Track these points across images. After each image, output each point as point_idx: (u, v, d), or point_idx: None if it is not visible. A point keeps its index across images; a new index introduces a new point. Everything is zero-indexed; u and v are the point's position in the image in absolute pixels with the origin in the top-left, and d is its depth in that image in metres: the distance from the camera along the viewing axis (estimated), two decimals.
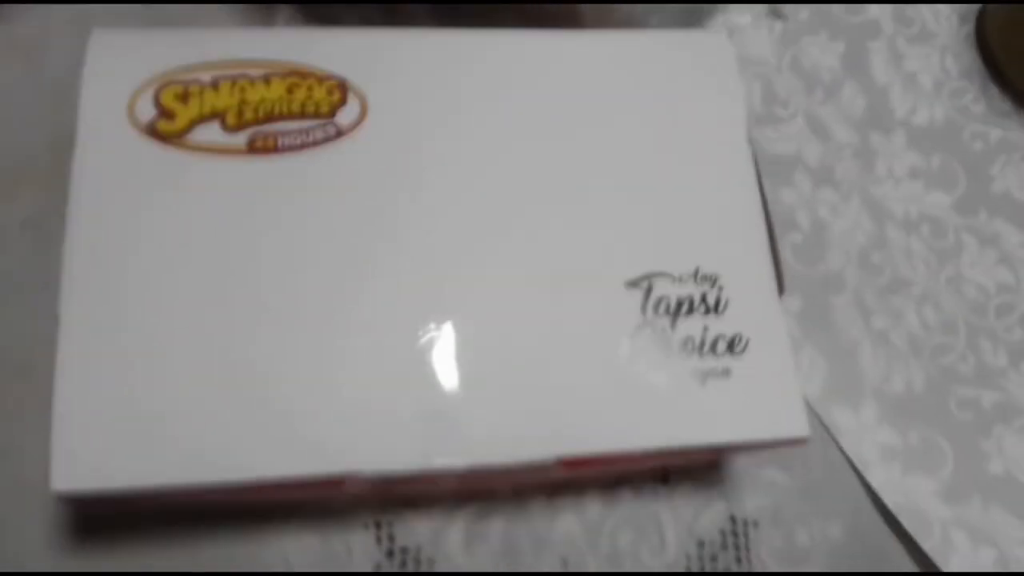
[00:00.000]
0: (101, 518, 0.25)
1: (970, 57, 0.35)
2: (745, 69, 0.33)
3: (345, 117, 0.24)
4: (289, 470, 0.21)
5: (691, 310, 0.24)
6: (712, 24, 0.33)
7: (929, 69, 0.34)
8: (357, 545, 0.25)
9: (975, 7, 0.36)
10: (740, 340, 0.24)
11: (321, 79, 0.24)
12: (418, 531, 0.26)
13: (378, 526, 0.26)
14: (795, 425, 0.23)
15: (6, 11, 0.29)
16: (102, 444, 0.20)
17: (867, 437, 0.28)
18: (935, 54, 0.35)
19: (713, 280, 0.24)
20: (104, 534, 0.25)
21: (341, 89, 0.24)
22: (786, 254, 0.30)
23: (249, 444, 0.21)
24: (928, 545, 0.27)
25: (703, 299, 0.24)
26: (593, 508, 0.27)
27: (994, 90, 0.34)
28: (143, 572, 0.24)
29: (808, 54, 0.33)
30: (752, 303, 0.24)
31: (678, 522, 0.27)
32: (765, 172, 0.31)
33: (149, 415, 0.21)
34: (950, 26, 0.35)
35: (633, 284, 0.24)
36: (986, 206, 0.33)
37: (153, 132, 0.23)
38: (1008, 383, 0.30)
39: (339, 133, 0.24)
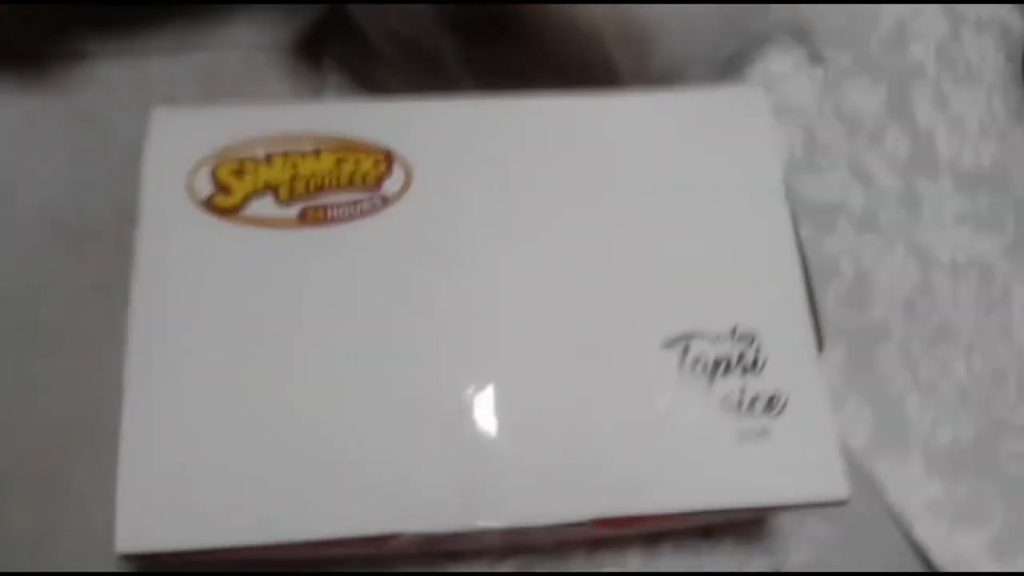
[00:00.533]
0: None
1: (1018, 96, 0.34)
2: (785, 117, 0.33)
3: (391, 187, 0.25)
4: (340, 531, 0.22)
5: (728, 369, 0.24)
6: (751, 72, 0.33)
7: (975, 110, 0.34)
8: None
9: (1020, 43, 0.35)
10: (779, 399, 0.24)
11: (368, 150, 0.25)
12: None
13: None
14: (835, 487, 0.23)
15: (70, 82, 0.31)
16: (165, 506, 0.21)
17: (914, 490, 0.28)
18: (981, 94, 0.34)
19: (751, 338, 0.24)
20: None
21: (387, 160, 0.25)
22: (829, 303, 0.30)
23: (303, 506, 0.22)
24: None
25: (741, 358, 0.24)
26: (634, 562, 0.27)
27: None
28: None
29: (850, 99, 0.33)
30: (790, 361, 0.24)
31: None
32: (807, 220, 0.31)
33: (209, 478, 0.22)
34: (996, 65, 0.35)
35: (670, 344, 0.24)
36: None
37: (211, 206, 0.24)
38: None
39: (385, 202, 0.25)
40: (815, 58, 0.34)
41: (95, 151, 0.31)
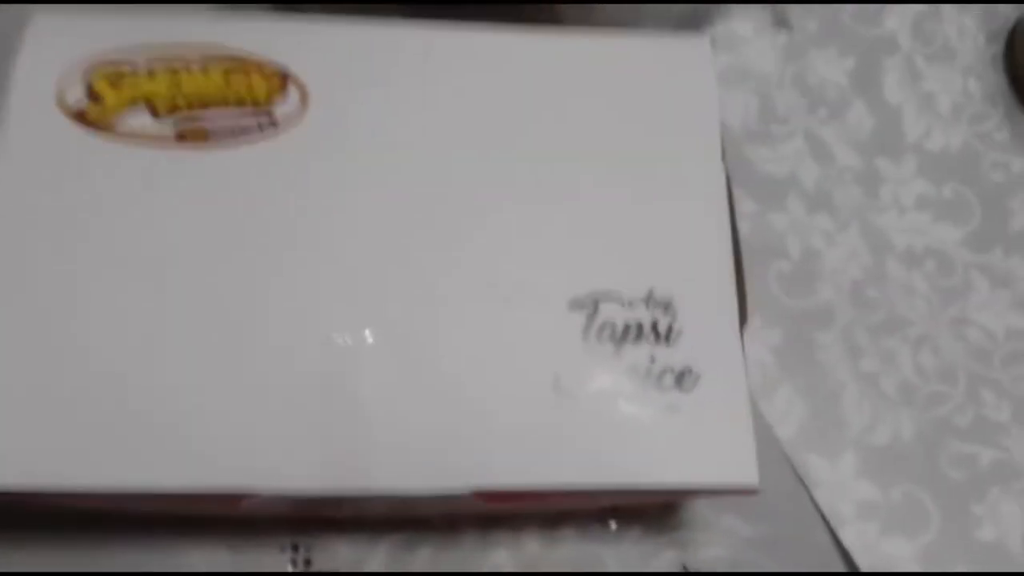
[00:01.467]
0: (7, 516, 0.24)
1: (996, 80, 0.32)
2: (742, 82, 0.30)
3: (282, 110, 0.23)
4: (181, 483, 0.20)
5: (640, 336, 0.22)
6: (710, 33, 0.31)
7: (949, 91, 0.32)
8: (269, 565, 0.24)
9: (1005, 25, 0.33)
10: (691, 374, 0.22)
11: (261, 67, 0.23)
12: (338, 556, 0.24)
13: (295, 548, 0.24)
14: (744, 473, 0.21)
15: None
16: (2, 442, 0.19)
17: (844, 490, 0.26)
18: (957, 75, 0.32)
19: (666, 305, 0.22)
20: (9, 533, 0.23)
21: (281, 79, 0.23)
22: (771, 284, 0.28)
23: (141, 452, 0.20)
24: None
25: (654, 326, 0.22)
26: (531, 545, 0.25)
27: (1021, 116, 0.31)
28: (48, 573, 0.23)
29: (814, 69, 0.31)
30: (708, 334, 0.22)
31: (623, 568, 0.25)
32: (755, 194, 0.29)
33: (52, 415, 0.19)
34: (975, 45, 0.32)
35: (576, 305, 0.22)
36: (1002, 243, 0.30)
37: (81, 117, 0.22)
38: (1010, 440, 0.27)
39: (274, 126, 0.22)
40: (781, 22, 0.31)
41: None
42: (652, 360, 0.22)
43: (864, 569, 0.25)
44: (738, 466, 0.21)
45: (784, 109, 0.30)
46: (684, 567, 0.25)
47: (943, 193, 0.30)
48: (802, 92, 0.31)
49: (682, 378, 0.22)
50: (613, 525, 0.25)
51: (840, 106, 0.31)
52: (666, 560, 0.25)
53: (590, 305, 0.22)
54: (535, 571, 0.24)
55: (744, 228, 0.28)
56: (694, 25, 0.31)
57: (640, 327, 0.22)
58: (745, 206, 0.29)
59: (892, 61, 0.32)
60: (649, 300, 0.22)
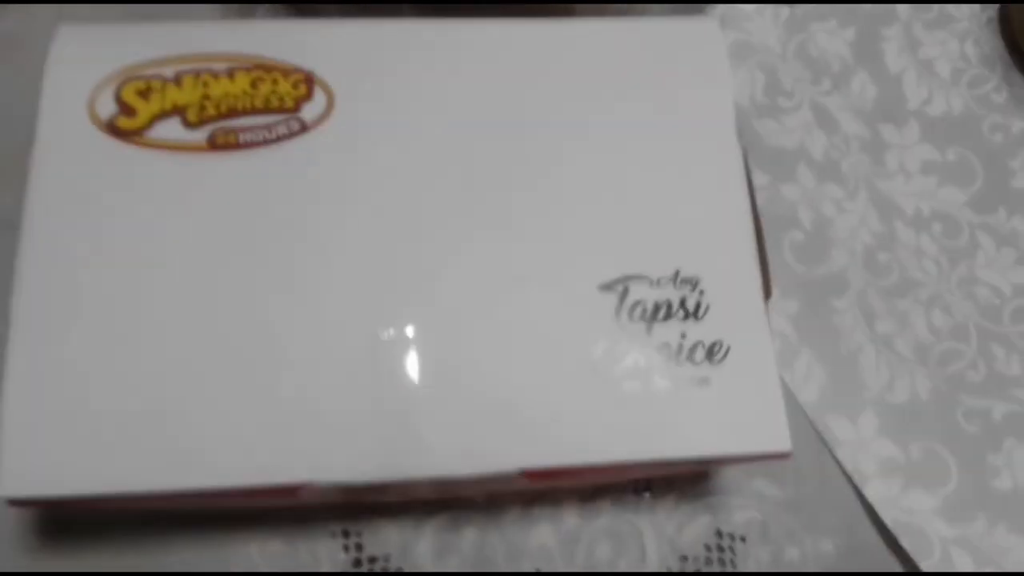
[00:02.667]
0: (65, 520, 0.24)
1: (992, 43, 0.33)
2: (748, 58, 0.31)
3: (311, 111, 0.23)
4: (240, 480, 0.20)
5: (669, 315, 0.23)
6: (713, 10, 0.31)
7: (947, 56, 0.32)
8: (323, 553, 0.25)
9: None
10: (720, 347, 0.22)
11: (286, 72, 0.23)
12: (388, 539, 0.25)
13: (346, 535, 0.25)
14: (777, 439, 0.22)
15: None
16: (53, 449, 0.20)
17: (865, 449, 0.27)
18: (954, 40, 0.32)
19: (694, 283, 0.23)
20: (68, 536, 0.24)
21: (307, 83, 0.23)
22: (785, 253, 0.29)
23: (200, 452, 0.20)
24: (927, 565, 0.25)
25: (682, 304, 0.23)
26: (570, 519, 0.26)
27: (1018, 78, 0.32)
28: (108, 573, 0.24)
29: (816, 41, 0.32)
30: (735, 308, 0.23)
31: (660, 535, 0.26)
32: (766, 166, 0.30)
33: (100, 421, 0.20)
34: (971, 10, 0.33)
35: (608, 287, 0.23)
36: (1005, 203, 0.31)
37: (113, 128, 0.22)
38: (1021, 393, 0.28)
39: (303, 128, 0.23)
40: (781, 1, 0.32)
41: (6, 76, 0.28)
42: (683, 336, 0.22)
43: (889, 523, 0.26)
44: (770, 433, 0.22)
45: (789, 82, 0.31)
46: (718, 531, 0.26)
47: (947, 156, 0.31)
48: (806, 64, 0.31)
49: (712, 351, 0.22)
50: (647, 496, 0.26)
51: (843, 76, 0.31)
52: (700, 525, 0.26)
53: (620, 287, 0.23)
54: (574, 546, 0.25)
55: (758, 200, 0.29)
56: (698, 7, 0.31)
57: (670, 305, 0.23)
58: (757, 179, 0.29)
59: (891, 30, 0.32)
60: (676, 279, 0.23)
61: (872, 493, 0.26)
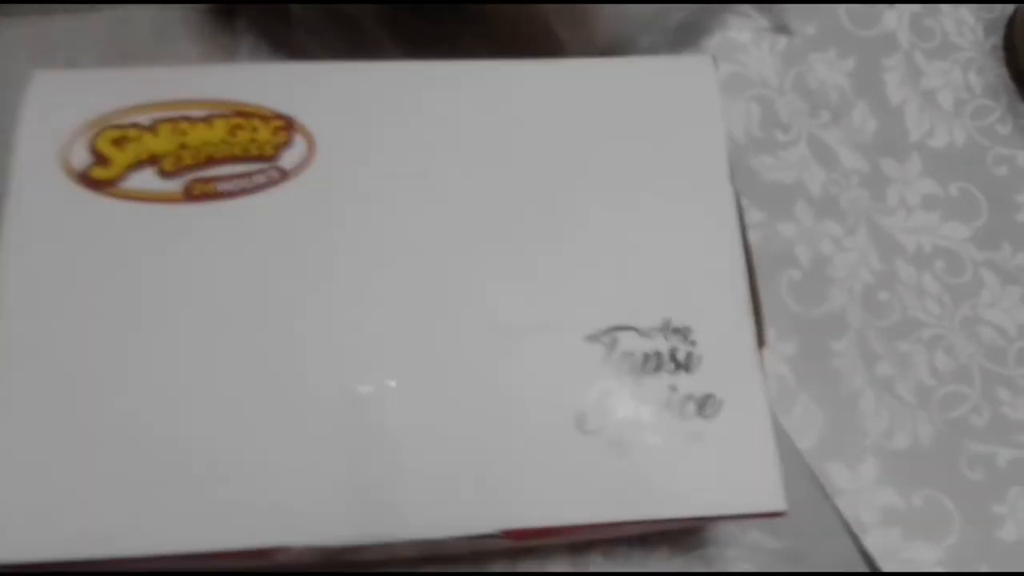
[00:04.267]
0: None
1: (996, 72, 0.32)
2: (743, 91, 0.30)
3: (291, 159, 0.23)
4: (215, 544, 0.20)
5: (659, 367, 0.22)
6: (708, 43, 0.31)
7: (950, 86, 0.31)
8: None
9: (1003, 16, 0.33)
10: (712, 401, 0.22)
11: (266, 118, 0.23)
12: None
13: None
14: (771, 498, 0.21)
15: None
16: (19, 514, 0.19)
17: (865, 498, 0.26)
18: (957, 69, 0.32)
19: (684, 334, 0.22)
20: None
21: (287, 129, 0.23)
22: (782, 294, 0.28)
23: (171, 516, 0.20)
24: None
25: (672, 355, 0.22)
26: (559, 572, 0.25)
27: (1023, 108, 0.31)
28: None
29: (814, 72, 0.31)
30: (728, 360, 0.22)
31: None
32: (762, 203, 0.29)
33: (73, 483, 0.19)
34: (975, 38, 0.32)
35: (595, 337, 0.22)
36: (1010, 238, 0.30)
37: (86, 179, 0.22)
38: None
39: (283, 175, 0.22)
40: (779, 28, 0.31)
41: None
42: (673, 389, 0.22)
43: (889, 574, 0.25)
44: (765, 491, 0.21)
45: (786, 115, 0.30)
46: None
47: (949, 191, 0.30)
48: (803, 96, 0.31)
49: (704, 405, 0.22)
50: (640, 548, 0.25)
51: (842, 108, 0.31)
52: None
53: (608, 337, 0.22)
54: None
55: (753, 238, 0.28)
56: (692, 34, 0.31)
57: (659, 356, 0.22)
58: (752, 216, 0.29)
59: (892, 60, 0.31)
60: (666, 328, 0.22)
61: (872, 544, 0.25)
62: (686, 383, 0.22)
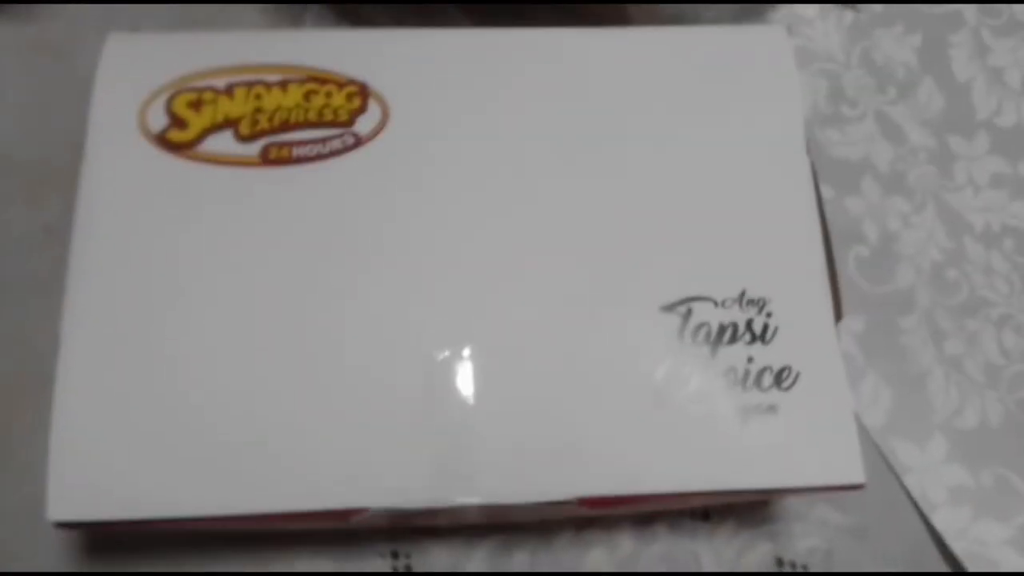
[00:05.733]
0: (111, 541, 0.24)
1: None
2: (809, 65, 0.30)
3: (365, 124, 0.23)
4: (291, 505, 0.20)
5: (735, 338, 0.22)
6: (773, 17, 0.30)
7: (1017, 64, 0.31)
8: (371, 572, 0.24)
9: None
10: (789, 373, 0.21)
11: (341, 84, 0.23)
12: (437, 561, 0.24)
13: (395, 556, 0.24)
14: (849, 471, 0.21)
15: (35, 11, 0.29)
16: (101, 472, 0.19)
17: (934, 476, 0.26)
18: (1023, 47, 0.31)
19: (761, 305, 0.22)
20: (115, 557, 0.24)
21: (361, 95, 0.23)
22: (850, 270, 0.28)
23: (252, 477, 0.20)
24: None
25: (749, 326, 0.22)
26: (625, 544, 0.25)
27: None
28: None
29: (881, 48, 0.30)
30: (804, 332, 0.22)
31: (719, 563, 0.25)
32: (829, 178, 0.29)
33: (151, 443, 0.20)
34: None
35: (670, 308, 0.22)
36: None
37: (164, 141, 0.22)
38: None
39: (358, 142, 0.22)
40: (846, 2, 0.31)
41: (53, 86, 0.28)
42: (750, 360, 0.21)
43: (959, 553, 0.25)
44: (843, 464, 0.21)
45: (853, 91, 0.30)
46: (779, 559, 0.25)
47: (1018, 169, 0.30)
48: (870, 72, 0.30)
49: (781, 377, 0.21)
50: (706, 521, 0.25)
51: (909, 84, 0.30)
52: (761, 553, 0.25)
53: (683, 308, 0.22)
54: (630, 571, 0.25)
55: None
56: (757, 8, 0.30)
57: (735, 327, 0.22)
58: (822, 192, 0.28)
59: (959, 36, 0.31)
60: (743, 300, 0.22)
61: (941, 522, 0.25)
62: (762, 355, 0.22)
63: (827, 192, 0.28)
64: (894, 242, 0.28)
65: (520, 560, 0.24)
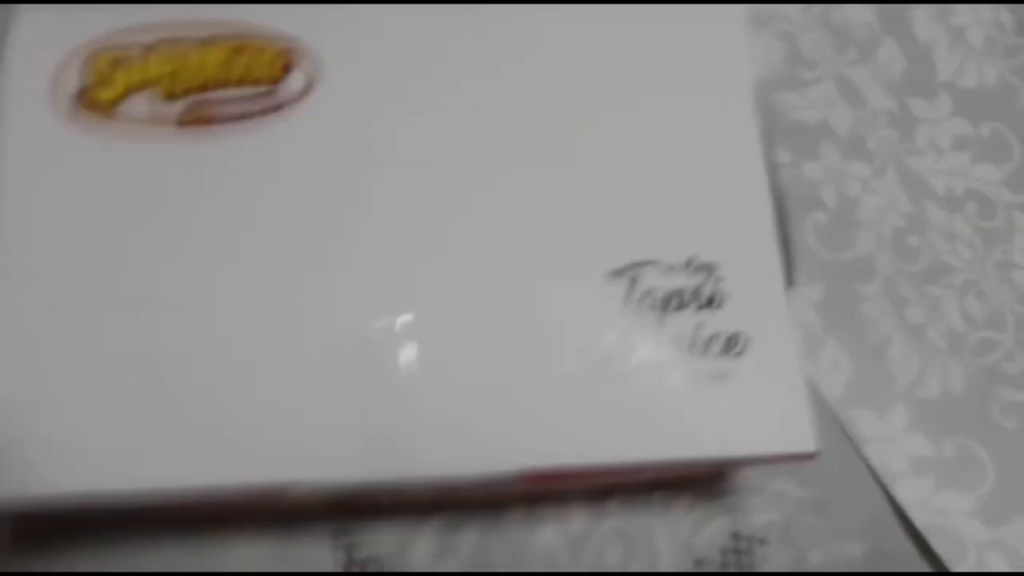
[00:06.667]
0: (39, 527, 0.23)
1: None
2: (766, 26, 0.29)
3: (293, 85, 0.21)
4: (226, 479, 0.19)
5: (683, 304, 0.21)
6: None
7: (980, 23, 0.30)
8: (314, 555, 0.23)
9: None
10: (739, 339, 0.21)
11: (269, 42, 0.22)
12: (382, 540, 0.23)
13: (337, 535, 0.23)
14: (801, 439, 0.20)
15: None
16: (33, 450, 0.18)
17: (895, 446, 0.25)
18: (987, 6, 0.30)
19: (710, 270, 0.21)
20: (47, 539, 0.23)
21: (291, 54, 0.22)
22: (808, 235, 0.27)
23: (177, 451, 0.19)
24: (961, 570, 0.24)
25: (697, 292, 0.21)
26: (577, 520, 0.24)
27: None
28: (92, 574, 0.23)
29: (840, 8, 0.30)
30: (755, 297, 0.21)
31: (674, 538, 0.24)
32: (787, 143, 0.28)
33: (80, 420, 0.19)
34: None
35: (616, 275, 0.21)
36: None
37: (79, 105, 0.21)
38: None
39: (285, 103, 0.21)
40: None
41: None
42: (698, 327, 0.21)
43: (920, 524, 0.24)
44: (794, 432, 0.20)
45: (811, 52, 0.29)
46: (736, 533, 0.24)
47: (980, 131, 0.29)
48: (829, 32, 0.29)
49: (730, 344, 0.21)
50: (660, 495, 0.24)
51: (869, 45, 0.29)
52: (716, 527, 0.24)
53: (630, 274, 0.21)
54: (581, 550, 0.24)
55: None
56: None
57: (683, 293, 0.21)
58: (777, 156, 0.27)
59: None
60: (691, 265, 0.21)
61: (902, 493, 0.25)
62: (712, 321, 0.21)
63: (784, 157, 0.27)
64: (854, 208, 0.27)
65: (469, 538, 0.24)
